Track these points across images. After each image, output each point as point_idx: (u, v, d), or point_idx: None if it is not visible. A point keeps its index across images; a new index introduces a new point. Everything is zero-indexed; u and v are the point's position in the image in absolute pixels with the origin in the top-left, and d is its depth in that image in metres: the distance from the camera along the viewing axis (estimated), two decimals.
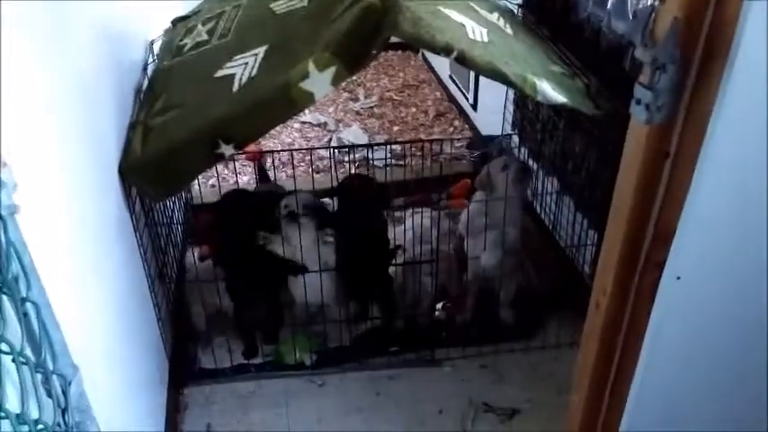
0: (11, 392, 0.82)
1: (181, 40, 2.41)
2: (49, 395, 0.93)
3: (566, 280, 2.58)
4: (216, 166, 2.77)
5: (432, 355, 2.44)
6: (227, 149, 1.82)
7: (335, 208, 2.43)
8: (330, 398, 2.32)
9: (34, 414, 0.84)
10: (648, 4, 1.91)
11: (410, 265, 2.43)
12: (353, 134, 3.94)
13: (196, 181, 3.11)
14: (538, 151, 2.90)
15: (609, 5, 2.18)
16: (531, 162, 2.97)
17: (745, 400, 1.27)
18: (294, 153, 3.73)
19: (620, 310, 1.21)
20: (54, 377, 0.92)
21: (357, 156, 3.51)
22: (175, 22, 2.69)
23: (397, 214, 2.96)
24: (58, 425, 0.91)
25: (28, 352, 0.87)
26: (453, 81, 4.23)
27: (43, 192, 1.21)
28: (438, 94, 4.49)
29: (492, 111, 3.40)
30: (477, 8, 2.28)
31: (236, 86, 1.86)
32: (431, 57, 4.76)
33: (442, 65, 4.47)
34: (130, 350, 1.84)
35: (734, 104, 0.98)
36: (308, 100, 1.79)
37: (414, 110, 4.31)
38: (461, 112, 4.16)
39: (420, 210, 2.46)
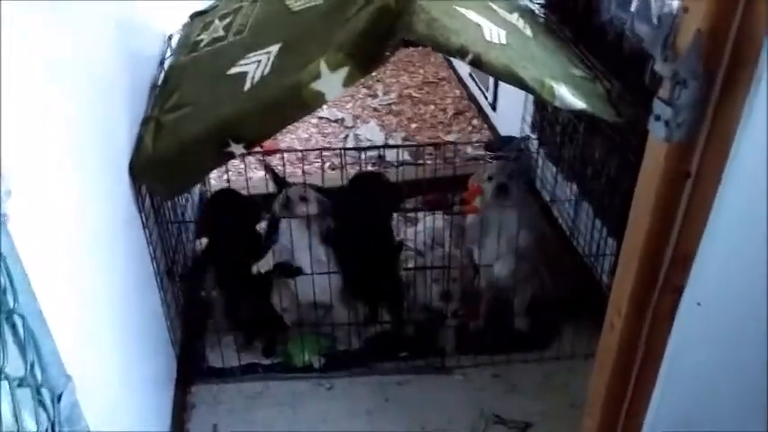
0: None
1: (198, 36, 2.39)
2: (44, 407, 0.91)
3: (583, 288, 2.51)
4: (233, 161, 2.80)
5: (442, 363, 2.40)
6: (237, 149, 1.79)
7: (343, 203, 2.38)
8: (337, 401, 2.29)
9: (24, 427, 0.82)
10: (672, 10, 1.84)
11: (422, 270, 2.38)
12: (370, 131, 3.89)
13: (212, 175, 3.17)
14: (557, 154, 2.83)
15: (632, 8, 2.10)
16: (548, 165, 2.90)
17: None
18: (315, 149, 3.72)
19: (635, 332, 1.16)
20: (44, 390, 0.89)
21: (371, 154, 3.46)
22: (194, 16, 2.68)
23: (410, 215, 2.91)
24: None
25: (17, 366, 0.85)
26: (473, 79, 4.16)
27: (45, 189, 1.19)
28: (458, 92, 4.42)
29: (511, 111, 3.33)
30: (495, 8, 2.21)
31: (247, 85, 1.83)
32: None
33: (462, 63, 4.39)
34: (136, 349, 1.82)
35: (760, 122, 0.91)
36: (319, 101, 1.75)
37: (432, 107, 4.25)
38: (480, 111, 4.09)
39: (433, 212, 2.41)
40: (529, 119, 3.12)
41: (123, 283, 1.73)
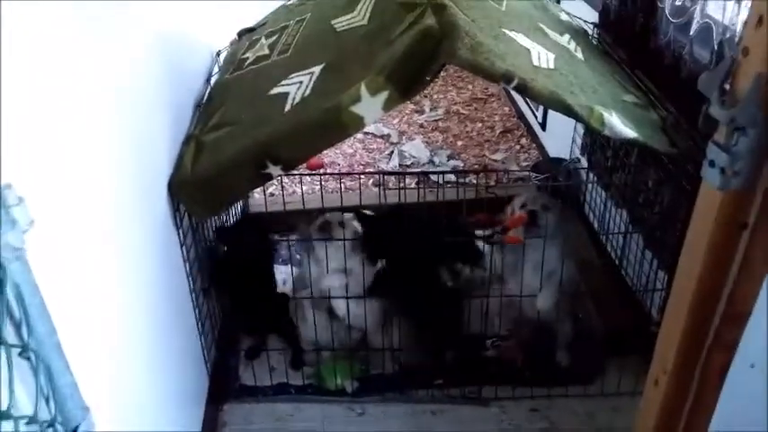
0: None
1: (243, 54, 2.40)
2: None
3: (631, 323, 2.39)
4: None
5: (479, 393, 2.32)
6: (275, 170, 1.78)
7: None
8: (368, 428, 2.24)
9: None
10: (734, 35, 1.73)
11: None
12: (415, 148, 3.85)
13: (258, 189, 3.19)
14: (607, 180, 2.72)
15: (692, 32, 2.00)
16: (597, 190, 2.79)
17: None
18: (352, 165, 3.71)
19: (681, 392, 1.07)
20: (58, 425, 0.88)
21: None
22: (242, 33, 2.69)
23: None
24: None
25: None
26: (523, 97, 4.06)
27: (77, 208, 1.20)
28: (506, 109, 4.34)
29: (561, 131, 3.23)
30: (546, 30, 2.14)
31: (288, 106, 1.82)
32: None
33: None
34: (169, 366, 1.82)
35: None
36: (358, 124, 1.72)
37: (480, 125, 4.17)
38: (529, 129, 3.99)
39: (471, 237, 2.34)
40: (579, 140, 3.02)
41: (158, 301, 1.74)
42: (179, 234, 1.94)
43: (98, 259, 1.30)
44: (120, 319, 1.43)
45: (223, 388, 2.32)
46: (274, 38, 2.32)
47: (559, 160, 3.20)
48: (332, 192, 3.35)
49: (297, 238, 2.38)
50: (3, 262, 0.79)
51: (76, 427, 0.96)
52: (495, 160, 3.77)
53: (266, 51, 2.26)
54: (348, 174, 3.39)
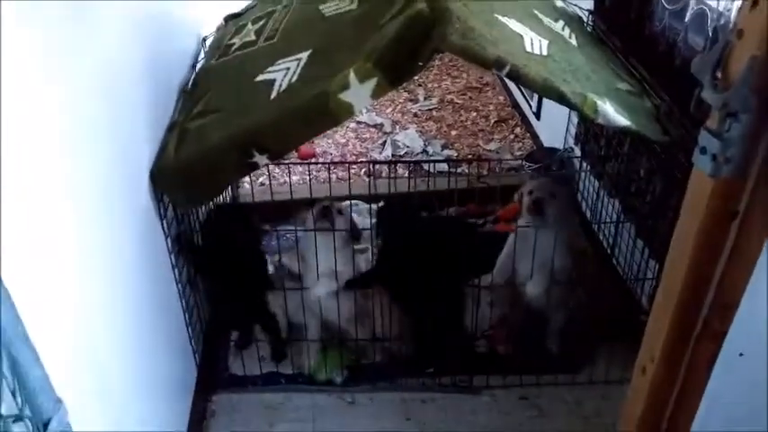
0: None
1: (230, 39, 2.36)
2: None
3: (621, 311, 2.38)
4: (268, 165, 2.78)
5: (469, 382, 2.31)
6: (261, 159, 1.75)
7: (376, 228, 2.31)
8: (358, 417, 2.23)
9: None
10: (729, 22, 1.71)
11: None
12: (409, 138, 3.82)
13: (247, 179, 3.16)
14: (600, 169, 2.70)
15: (687, 18, 1.97)
16: (590, 179, 2.78)
17: None
18: (345, 155, 3.67)
19: (669, 380, 1.06)
20: (27, 420, 0.85)
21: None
22: (228, 19, 2.65)
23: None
24: None
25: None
26: (518, 87, 4.04)
27: (46, 194, 1.16)
28: (501, 98, 4.30)
29: (556, 121, 3.20)
30: (540, 16, 2.11)
31: (274, 93, 1.79)
32: None
33: None
34: (153, 355, 1.80)
35: None
36: (347, 112, 1.69)
37: (474, 114, 4.14)
38: (524, 119, 3.96)
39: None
40: (573, 130, 3.00)
41: (142, 291, 1.71)
42: (163, 224, 1.91)
43: (76, 249, 1.27)
44: (102, 310, 1.40)
45: (212, 378, 2.30)
46: (261, 23, 2.28)
47: (553, 150, 3.18)
48: (323, 182, 3.33)
49: (291, 227, 2.34)
50: None
51: (48, 421, 0.93)
52: (490, 150, 3.74)
53: (253, 37, 2.23)
54: (338, 163, 3.35)
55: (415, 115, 4.14)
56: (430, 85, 4.49)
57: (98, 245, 1.40)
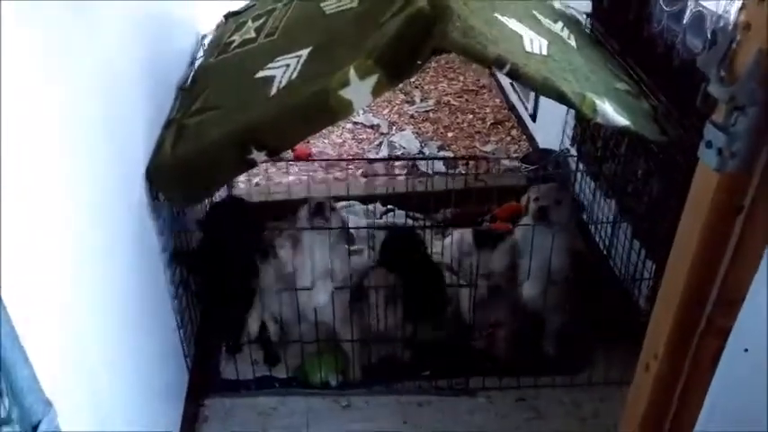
0: None
1: (230, 37, 2.35)
2: None
3: (619, 312, 2.37)
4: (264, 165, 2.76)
5: (466, 384, 2.29)
6: (260, 156, 1.74)
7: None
8: (354, 421, 2.20)
9: None
10: (728, 24, 1.72)
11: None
12: (405, 139, 3.81)
13: (244, 178, 3.14)
14: (597, 170, 2.71)
15: (685, 20, 1.98)
16: (587, 181, 2.78)
17: None
18: (341, 156, 3.66)
19: (672, 377, 1.05)
20: (14, 423, 0.83)
21: (403, 163, 3.39)
22: (228, 16, 2.65)
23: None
24: None
25: None
26: (514, 89, 4.04)
27: (38, 192, 1.13)
28: (498, 101, 4.31)
29: (552, 123, 3.21)
30: (539, 17, 2.12)
31: (273, 90, 1.78)
32: None
33: None
34: (144, 360, 1.76)
35: None
36: (347, 109, 1.68)
37: (471, 116, 4.15)
38: (520, 121, 3.97)
39: (462, 228, 2.32)
40: (570, 132, 3.00)
41: (132, 293, 1.67)
42: (156, 223, 1.88)
43: (67, 249, 1.24)
44: (92, 311, 1.37)
45: (203, 382, 2.26)
46: (261, 21, 2.28)
47: (549, 151, 3.19)
48: (319, 182, 3.32)
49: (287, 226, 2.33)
50: None
51: (38, 424, 0.91)
52: (486, 152, 3.75)
53: (253, 34, 2.22)
54: (335, 160, 3.34)
55: (412, 117, 4.14)
56: (426, 87, 4.49)
57: (90, 244, 1.37)
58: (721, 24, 1.79)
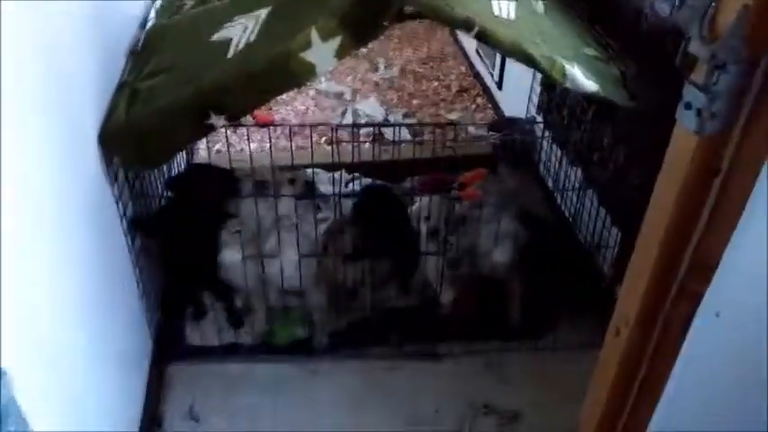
0: None
1: None
2: None
3: (583, 279, 2.40)
4: (225, 131, 2.67)
5: (433, 349, 2.30)
6: (219, 121, 1.66)
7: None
8: (322, 387, 2.20)
9: None
10: None
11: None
12: (370, 107, 3.75)
13: (204, 145, 3.04)
14: (563, 138, 2.70)
15: None
16: (553, 149, 2.77)
17: None
18: (304, 123, 3.58)
19: (643, 341, 1.05)
20: None
21: (368, 131, 3.33)
22: None
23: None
24: None
25: None
26: (479, 56, 4.00)
27: None
28: (463, 68, 4.26)
29: (518, 90, 3.18)
30: None
31: (231, 52, 1.69)
32: None
33: (469, 38, 4.23)
34: (104, 327, 1.71)
35: None
36: (309, 73, 1.61)
37: (435, 84, 4.09)
38: (485, 89, 3.93)
39: (430, 195, 2.28)
40: (536, 99, 2.98)
41: (90, 259, 1.62)
42: (114, 190, 1.81)
43: (16, 215, 1.17)
44: (46, 279, 1.32)
45: (168, 349, 2.22)
46: None
47: (515, 120, 3.16)
48: (282, 149, 3.24)
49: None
50: None
51: None
52: (452, 119, 3.71)
53: None
54: (299, 125, 3.25)
55: (376, 84, 4.07)
56: (391, 54, 4.41)
57: (41, 211, 1.31)
58: None
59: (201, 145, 2.97)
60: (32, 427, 1.05)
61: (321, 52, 1.57)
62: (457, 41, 4.52)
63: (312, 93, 3.92)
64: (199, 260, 2.21)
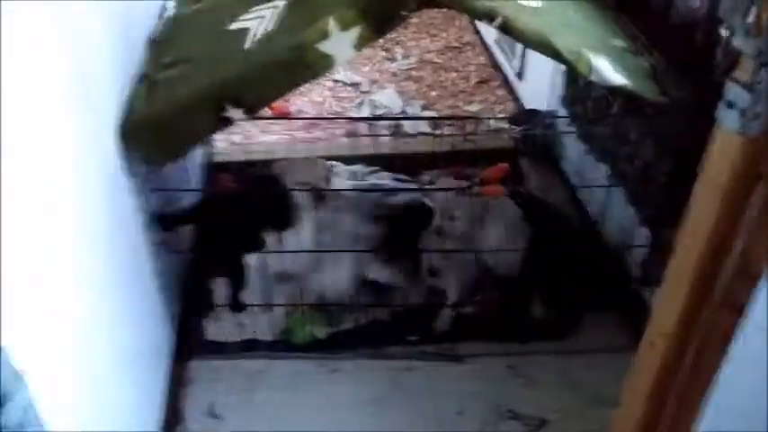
0: None
1: None
2: None
3: (609, 279, 2.33)
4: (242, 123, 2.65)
5: (453, 350, 2.25)
6: (236, 113, 1.62)
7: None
8: (341, 385, 2.16)
9: None
10: None
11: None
12: (387, 97, 3.68)
13: (220, 136, 3.02)
14: (588, 132, 2.62)
15: None
16: (578, 144, 2.69)
17: None
18: (321, 114, 3.54)
19: (680, 354, 0.99)
20: None
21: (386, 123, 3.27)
22: None
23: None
24: None
25: None
26: (499, 46, 3.91)
27: (15, 156, 1.04)
28: (482, 59, 4.17)
29: (539, 82, 3.10)
30: None
31: (248, 43, 1.65)
32: None
33: (489, 27, 4.13)
34: (125, 322, 1.69)
35: None
36: (326, 64, 1.57)
37: (454, 75, 4.01)
38: (505, 80, 3.85)
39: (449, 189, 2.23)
40: (558, 91, 2.89)
41: (108, 253, 1.59)
42: (134, 183, 1.78)
43: (38, 211, 1.16)
44: (68, 275, 1.30)
45: (189, 344, 2.21)
46: None
47: (537, 112, 3.09)
48: (301, 141, 3.21)
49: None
50: None
51: (8, 395, 0.84)
52: (471, 111, 3.63)
53: None
54: (315, 118, 3.21)
55: (394, 74, 4.00)
56: (409, 44, 4.33)
57: (61, 205, 1.29)
58: None
59: (219, 136, 2.94)
60: (53, 426, 1.04)
61: (340, 43, 1.53)
62: (476, 31, 4.43)
63: (329, 83, 3.86)
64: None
